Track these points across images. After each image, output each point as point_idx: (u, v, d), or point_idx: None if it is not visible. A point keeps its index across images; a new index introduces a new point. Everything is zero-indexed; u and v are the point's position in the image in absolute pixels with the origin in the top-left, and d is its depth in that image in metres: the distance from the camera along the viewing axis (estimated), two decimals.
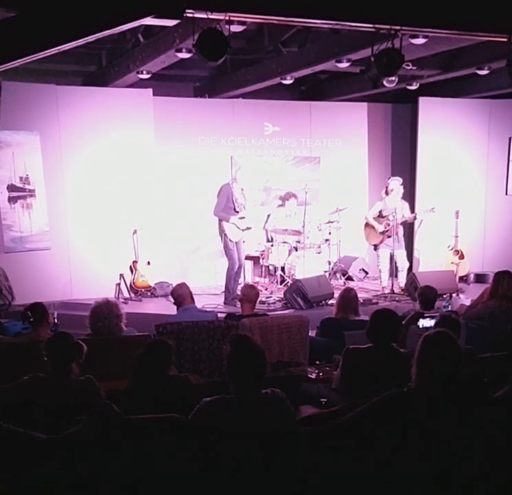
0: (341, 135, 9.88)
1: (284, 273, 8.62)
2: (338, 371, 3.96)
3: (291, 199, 9.15)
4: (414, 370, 2.78)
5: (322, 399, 3.72)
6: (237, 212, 7.81)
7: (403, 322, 4.78)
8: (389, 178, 8.65)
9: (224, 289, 8.06)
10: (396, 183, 8.32)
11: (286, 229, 8.90)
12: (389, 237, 8.28)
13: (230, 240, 7.81)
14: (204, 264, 9.34)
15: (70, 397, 3.27)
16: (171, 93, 9.28)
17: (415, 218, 8.64)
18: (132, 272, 8.44)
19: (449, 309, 6.80)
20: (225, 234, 7.80)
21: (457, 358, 2.74)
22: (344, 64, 7.54)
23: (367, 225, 8.56)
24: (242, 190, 7.96)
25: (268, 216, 9.32)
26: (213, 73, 9.61)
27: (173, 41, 6.48)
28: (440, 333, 2.86)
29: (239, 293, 6.69)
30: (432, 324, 4.42)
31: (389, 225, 8.23)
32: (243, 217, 7.86)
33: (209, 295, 8.41)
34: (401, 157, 10.13)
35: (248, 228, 7.98)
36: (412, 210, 8.75)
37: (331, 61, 7.60)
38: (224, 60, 5.62)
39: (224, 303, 7.82)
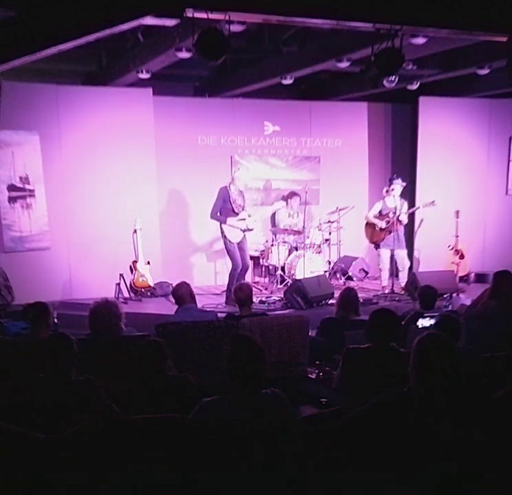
0: (341, 135, 9.89)
1: (284, 273, 8.62)
2: (338, 371, 3.95)
3: (294, 198, 9.15)
4: (411, 372, 2.77)
5: (322, 399, 3.72)
6: (236, 213, 7.80)
7: (403, 322, 4.78)
8: (394, 178, 8.48)
9: (225, 289, 8.05)
10: (398, 187, 8.30)
11: (286, 229, 8.91)
12: (390, 233, 8.26)
13: (230, 242, 7.80)
14: (204, 264, 9.35)
15: (70, 397, 3.27)
16: (171, 93, 9.28)
17: (417, 208, 8.67)
18: (132, 272, 8.43)
19: (449, 308, 6.81)
20: (224, 236, 7.80)
21: (453, 359, 2.74)
22: (344, 64, 7.54)
23: (367, 224, 8.55)
24: (241, 191, 7.94)
25: (273, 215, 9.31)
26: (213, 72, 9.61)
27: (173, 41, 6.48)
28: (432, 336, 2.85)
29: None
30: (432, 324, 4.41)
31: (389, 222, 8.24)
32: (244, 219, 7.85)
33: (209, 295, 8.42)
34: (401, 156, 10.12)
35: (249, 229, 7.96)
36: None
37: (331, 61, 7.60)
38: (224, 60, 5.62)
39: (225, 303, 7.81)
